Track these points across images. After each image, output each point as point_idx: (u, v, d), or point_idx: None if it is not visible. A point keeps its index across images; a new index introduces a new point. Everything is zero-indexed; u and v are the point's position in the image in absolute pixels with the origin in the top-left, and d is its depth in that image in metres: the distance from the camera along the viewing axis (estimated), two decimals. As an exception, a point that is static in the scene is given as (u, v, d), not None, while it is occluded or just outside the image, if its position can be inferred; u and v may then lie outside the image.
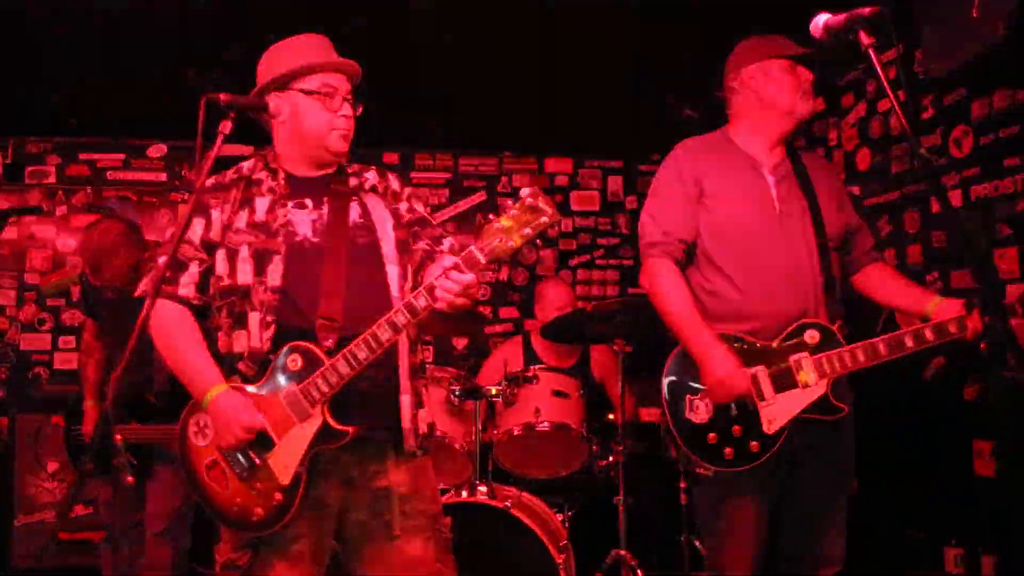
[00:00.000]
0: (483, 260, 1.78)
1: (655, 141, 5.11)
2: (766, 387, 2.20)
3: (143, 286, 2.09)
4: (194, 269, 2.04)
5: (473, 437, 3.29)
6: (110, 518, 3.45)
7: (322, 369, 1.89)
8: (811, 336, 2.21)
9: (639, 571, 3.14)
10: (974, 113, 3.04)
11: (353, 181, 2.17)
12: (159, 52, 3.71)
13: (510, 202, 1.77)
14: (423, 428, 2.08)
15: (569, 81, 3.91)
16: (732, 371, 2.15)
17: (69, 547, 4.04)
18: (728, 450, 2.20)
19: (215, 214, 2.06)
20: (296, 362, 1.93)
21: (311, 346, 1.93)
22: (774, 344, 2.22)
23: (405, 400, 2.03)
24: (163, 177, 4.81)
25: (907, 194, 3.46)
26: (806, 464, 2.25)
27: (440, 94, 4.13)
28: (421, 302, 1.84)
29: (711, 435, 2.22)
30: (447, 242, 2.19)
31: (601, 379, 4.03)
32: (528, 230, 1.74)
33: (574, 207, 5.20)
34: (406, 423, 2.02)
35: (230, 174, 2.15)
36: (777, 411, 2.19)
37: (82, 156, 4.73)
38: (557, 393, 3.35)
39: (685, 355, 2.27)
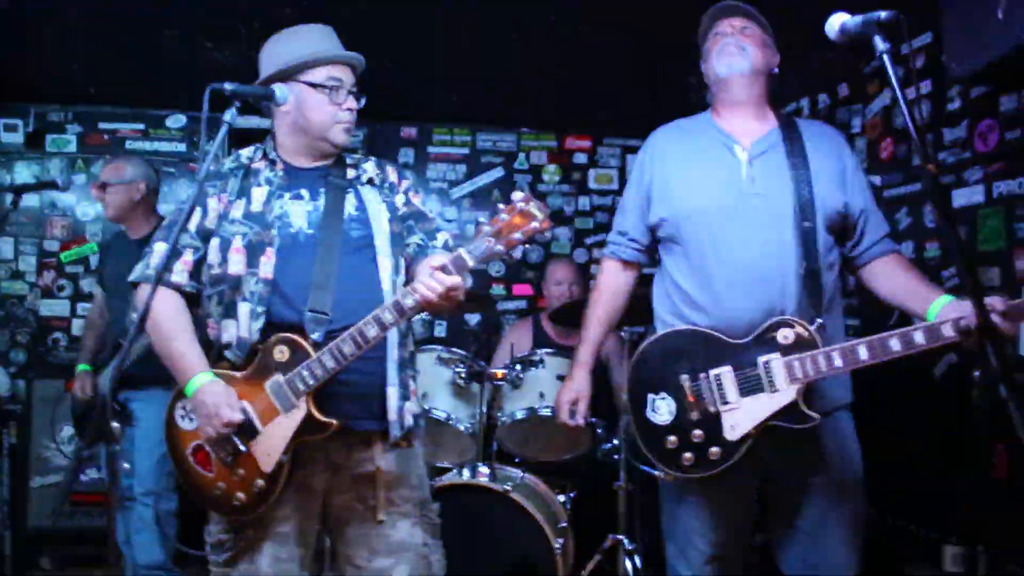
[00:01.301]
0: (471, 263, 1.80)
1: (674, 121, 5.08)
2: (730, 390, 2.03)
3: (137, 271, 2.11)
4: (188, 256, 2.07)
5: (477, 419, 3.33)
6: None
7: (308, 362, 1.91)
8: (784, 336, 2.00)
9: (636, 556, 3.15)
10: (1002, 107, 2.97)
11: (351, 172, 2.17)
12: (179, 22, 3.70)
13: (501, 206, 1.78)
14: (408, 420, 2.09)
15: (589, 58, 3.85)
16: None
17: (82, 509, 4.15)
18: (688, 455, 2.06)
19: (211, 202, 2.08)
20: (283, 353, 1.95)
21: (298, 338, 1.94)
22: (743, 342, 2.04)
23: (391, 392, 2.05)
24: (182, 147, 4.83)
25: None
26: (789, 474, 2.13)
27: (459, 68, 4.08)
28: (409, 301, 1.85)
29: (671, 438, 2.08)
30: (441, 237, 2.19)
31: (606, 359, 4.03)
32: (518, 235, 1.76)
33: (592, 185, 5.15)
34: (391, 415, 2.04)
35: (228, 162, 2.16)
36: (741, 416, 2.02)
37: (102, 125, 4.75)
38: (561, 378, 3.33)
39: (650, 351, 2.15)
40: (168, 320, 2.03)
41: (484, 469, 3.17)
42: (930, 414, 3.25)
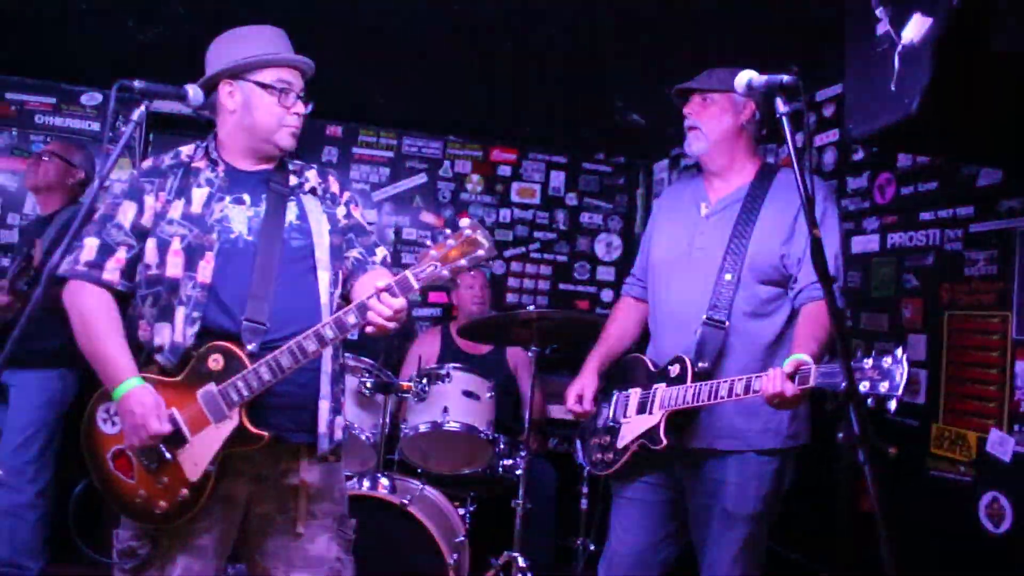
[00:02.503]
0: (416, 286, 1.80)
1: (601, 141, 5.17)
2: (632, 407, 2.37)
3: (65, 266, 2.00)
4: (121, 254, 2.00)
5: (380, 429, 3.31)
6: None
7: (244, 373, 1.88)
8: (674, 370, 2.28)
9: (529, 573, 3.20)
10: (899, 163, 3.13)
11: (293, 179, 2.14)
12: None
13: (448, 231, 1.80)
14: (338, 434, 2.08)
15: (518, 73, 3.88)
16: None
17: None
18: (597, 455, 2.47)
19: (148, 199, 2.02)
20: (218, 362, 1.91)
21: (234, 348, 1.91)
22: (654, 371, 2.37)
23: (323, 405, 2.02)
24: (95, 127, 4.65)
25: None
26: (694, 491, 2.35)
27: (390, 71, 4.06)
28: (351, 319, 1.84)
29: (594, 439, 2.50)
30: (380, 252, 2.19)
31: (514, 368, 4.09)
32: (464, 262, 1.77)
33: (514, 198, 5.19)
34: (322, 428, 2.01)
35: (168, 159, 2.10)
36: (629, 430, 2.35)
37: (9, 96, 4.54)
38: (467, 394, 3.38)
39: (621, 365, 2.53)
40: (97, 320, 1.96)
41: (384, 480, 3.17)
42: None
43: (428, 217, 5.06)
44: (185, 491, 1.91)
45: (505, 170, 5.18)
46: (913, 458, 2.92)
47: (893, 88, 1.93)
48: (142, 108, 1.99)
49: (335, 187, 2.21)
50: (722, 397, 2.11)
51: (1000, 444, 2.62)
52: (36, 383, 3.20)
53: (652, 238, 2.58)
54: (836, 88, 3.44)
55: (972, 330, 2.77)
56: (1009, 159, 2.37)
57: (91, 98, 4.66)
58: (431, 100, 4.50)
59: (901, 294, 3.07)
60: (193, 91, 2.05)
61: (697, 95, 2.40)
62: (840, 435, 1.27)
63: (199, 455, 1.91)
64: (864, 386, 1.76)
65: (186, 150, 2.11)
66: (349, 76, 4.19)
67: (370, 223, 4.81)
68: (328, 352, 2.03)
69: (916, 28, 1.86)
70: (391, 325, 1.83)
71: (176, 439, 1.91)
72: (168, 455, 1.92)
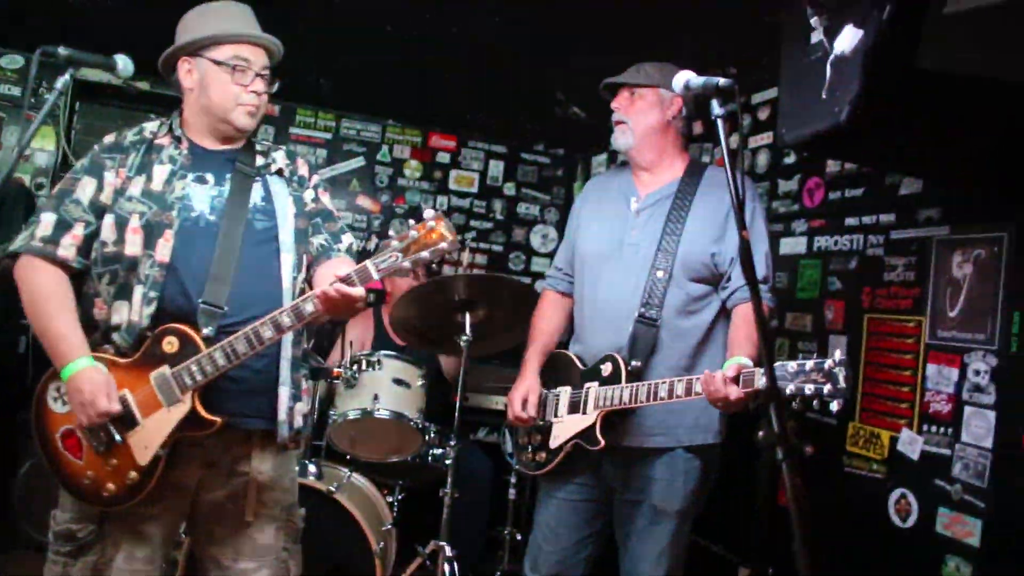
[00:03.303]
0: (376, 277, 1.79)
1: (541, 132, 5.19)
2: (564, 406, 2.37)
3: (20, 241, 1.94)
4: (78, 231, 1.94)
5: (309, 415, 3.27)
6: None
7: (198, 357, 1.85)
8: (606, 368, 2.29)
9: (456, 563, 3.21)
10: (828, 169, 3.23)
11: (260, 160, 2.09)
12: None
13: (412, 222, 1.78)
14: (298, 421, 2.05)
15: (459, 59, 3.85)
16: None
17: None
18: (528, 454, 2.46)
19: (108, 176, 1.96)
20: (172, 345, 1.87)
21: (189, 331, 1.87)
22: (584, 369, 2.36)
23: (283, 392, 1.99)
24: (16, 91, 4.45)
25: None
26: (622, 488, 2.37)
27: (329, 52, 3.99)
28: (309, 307, 1.82)
29: (524, 437, 2.50)
30: (346, 239, 2.16)
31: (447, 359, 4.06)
32: (426, 253, 1.76)
33: (452, 186, 5.17)
34: (281, 415, 1.98)
35: (130, 135, 2.04)
36: (562, 429, 2.35)
37: (-78, 56, 4.31)
38: (397, 381, 3.36)
39: (548, 363, 2.51)
40: (49, 297, 1.90)
41: (312, 467, 3.14)
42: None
43: (364, 201, 5.01)
44: (134, 474, 1.88)
45: (444, 157, 5.16)
46: (830, 455, 3.03)
47: (824, 96, 1.98)
48: (66, 76, 1.94)
49: (304, 170, 2.18)
50: (662, 398, 2.12)
51: (910, 443, 2.74)
52: None
53: (579, 231, 2.54)
54: (772, 91, 3.52)
55: (889, 333, 2.88)
56: (930, 170, 2.47)
57: (12, 61, 4.46)
58: (371, 83, 4.44)
59: (825, 295, 3.18)
60: (123, 62, 2.01)
61: (625, 90, 2.42)
62: (761, 433, 1.31)
63: (150, 438, 1.88)
64: (809, 389, 1.80)
65: (150, 126, 2.06)
66: (288, 54, 4.10)
67: (305, 205, 4.81)
68: (288, 338, 2.00)
69: (848, 39, 1.91)
70: (344, 313, 1.83)
71: (127, 421, 1.88)
72: (118, 437, 1.88)
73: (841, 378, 1.78)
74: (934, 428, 2.66)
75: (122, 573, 1.91)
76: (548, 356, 2.54)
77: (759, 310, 1.52)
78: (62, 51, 1.84)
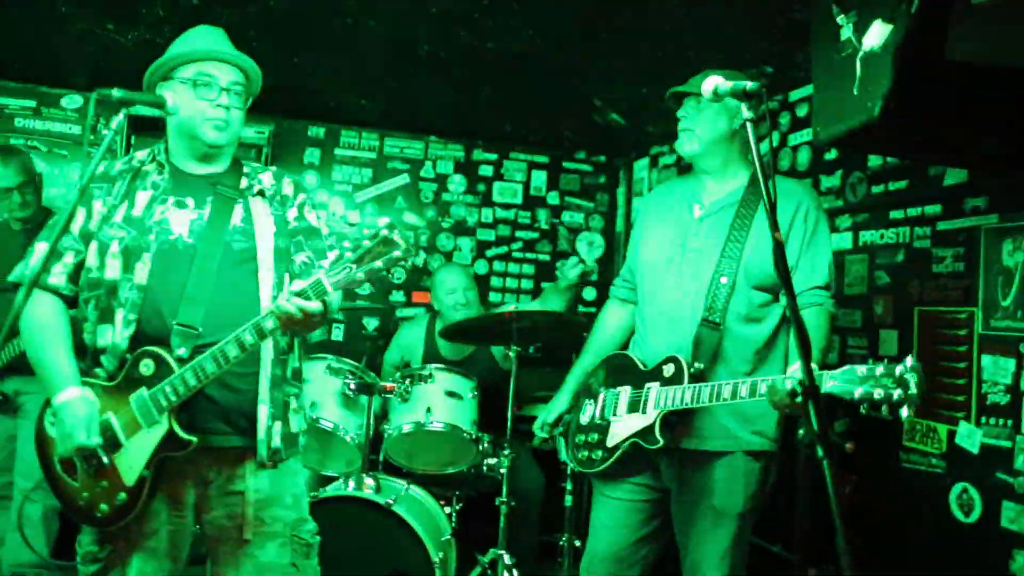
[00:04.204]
0: (330, 289, 1.81)
1: (581, 141, 5.22)
2: (623, 405, 2.37)
3: (17, 271, 2.05)
4: (68, 259, 2.02)
5: (364, 429, 3.35)
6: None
7: (171, 378, 1.90)
8: (668, 369, 2.29)
9: (515, 570, 3.25)
10: (869, 163, 3.19)
11: (243, 182, 2.14)
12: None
13: (365, 231, 1.82)
14: (276, 440, 2.06)
15: (500, 73, 3.91)
16: None
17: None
18: (585, 454, 2.46)
19: (96, 205, 2.04)
20: (148, 367, 1.93)
21: (163, 352, 1.93)
22: (646, 370, 2.36)
23: (262, 411, 2.03)
24: (76, 130, 4.65)
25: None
26: (681, 490, 2.37)
27: (371, 72, 4.08)
28: (269, 323, 1.86)
29: (580, 436, 2.50)
30: (332, 256, 2.18)
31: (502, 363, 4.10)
32: (378, 263, 1.78)
33: (496, 198, 5.22)
34: (260, 434, 2.02)
35: (120, 164, 2.12)
36: (621, 428, 2.35)
37: (-11, 100, 4.54)
38: (450, 394, 3.41)
39: (608, 363, 2.51)
40: (41, 326, 1.99)
41: (369, 480, 3.20)
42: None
43: (411, 218, 5.09)
44: (123, 495, 1.95)
45: (487, 169, 5.21)
46: (887, 451, 2.99)
47: (856, 92, 1.98)
48: (121, 116, 2.03)
49: (288, 188, 2.20)
50: (724, 399, 2.11)
51: (968, 436, 2.69)
52: None
53: (641, 239, 2.57)
54: (810, 88, 3.48)
55: (941, 325, 2.83)
56: (972, 160, 2.44)
57: (72, 101, 4.66)
58: (412, 101, 4.53)
59: (873, 291, 3.14)
60: (172, 98, 2.08)
61: (692, 98, 2.41)
62: (801, 432, 1.31)
63: (134, 459, 1.94)
64: (878, 393, 1.74)
65: (140, 154, 2.13)
66: (330, 78, 4.22)
67: (352, 224, 4.93)
68: (268, 356, 2.03)
69: (877, 34, 1.91)
70: (303, 328, 1.86)
71: (113, 443, 1.95)
72: (106, 459, 1.95)
73: (913, 383, 1.70)
74: (993, 420, 2.61)
75: None
76: (608, 358, 2.56)
77: (795, 312, 1.52)
78: (115, 93, 1.91)
